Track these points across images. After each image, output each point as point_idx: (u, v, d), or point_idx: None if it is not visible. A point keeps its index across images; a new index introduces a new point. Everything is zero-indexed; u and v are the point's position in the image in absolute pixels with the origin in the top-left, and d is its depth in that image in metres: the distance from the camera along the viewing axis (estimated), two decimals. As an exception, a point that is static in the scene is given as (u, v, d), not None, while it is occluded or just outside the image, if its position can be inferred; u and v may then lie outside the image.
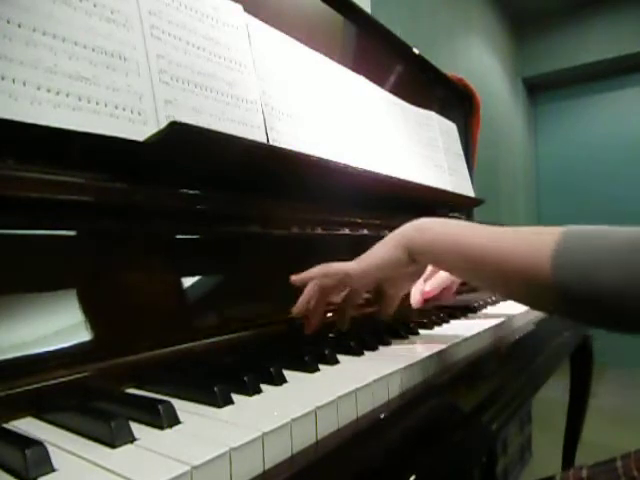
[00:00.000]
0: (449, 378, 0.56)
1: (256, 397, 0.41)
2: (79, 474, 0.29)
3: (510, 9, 3.71)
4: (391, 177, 0.94)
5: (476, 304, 0.92)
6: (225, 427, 0.35)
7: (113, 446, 0.31)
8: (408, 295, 0.81)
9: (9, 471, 0.29)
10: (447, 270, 0.62)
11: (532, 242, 0.51)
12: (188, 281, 0.55)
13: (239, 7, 0.74)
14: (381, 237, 0.62)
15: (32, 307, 0.41)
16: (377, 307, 0.70)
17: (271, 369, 0.45)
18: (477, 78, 2.82)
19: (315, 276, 0.60)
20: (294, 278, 0.62)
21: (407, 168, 1.10)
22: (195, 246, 0.58)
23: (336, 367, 0.52)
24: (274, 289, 0.66)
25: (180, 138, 0.54)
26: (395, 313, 0.70)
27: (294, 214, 0.73)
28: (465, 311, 0.86)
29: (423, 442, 0.48)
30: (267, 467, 0.33)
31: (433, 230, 0.58)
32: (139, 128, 0.55)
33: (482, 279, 0.56)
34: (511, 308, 0.93)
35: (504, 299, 1.06)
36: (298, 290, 0.61)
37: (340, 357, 0.54)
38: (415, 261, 0.59)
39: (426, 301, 0.82)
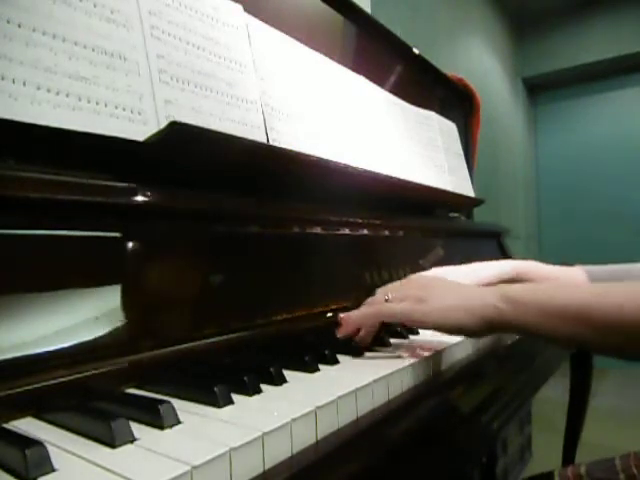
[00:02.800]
0: (449, 378, 0.57)
1: (256, 397, 0.41)
2: (79, 474, 0.29)
3: (510, 9, 3.70)
4: (391, 177, 0.94)
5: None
6: (225, 427, 0.35)
7: (113, 446, 0.31)
8: None
9: (9, 471, 0.29)
10: (543, 339, 0.55)
11: None
12: (188, 281, 0.55)
13: (239, 7, 0.74)
14: (381, 237, 0.61)
15: (32, 307, 0.41)
16: None
17: (271, 369, 0.45)
18: (477, 78, 2.82)
19: (367, 319, 0.57)
20: (344, 321, 0.58)
21: (407, 168, 1.10)
22: (195, 246, 0.58)
23: (336, 367, 0.52)
24: (274, 289, 0.66)
25: (180, 138, 0.54)
26: None
27: (294, 214, 0.73)
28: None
29: (423, 442, 0.48)
30: (267, 467, 0.33)
31: (523, 297, 0.52)
32: (139, 128, 0.55)
33: (583, 338, 0.50)
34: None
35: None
36: (300, 289, 0.61)
37: (340, 357, 0.54)
38: (493, 332, 0.55)
39: None
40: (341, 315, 0.58)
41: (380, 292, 0.60)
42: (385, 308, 0.56)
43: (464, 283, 0.73)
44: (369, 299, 0.61)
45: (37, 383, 0.39)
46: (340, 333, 0.57)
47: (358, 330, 0.58)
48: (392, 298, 0.57)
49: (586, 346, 0.54)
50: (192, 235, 0.58)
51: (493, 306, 0.52)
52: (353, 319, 0.57)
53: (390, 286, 0.61)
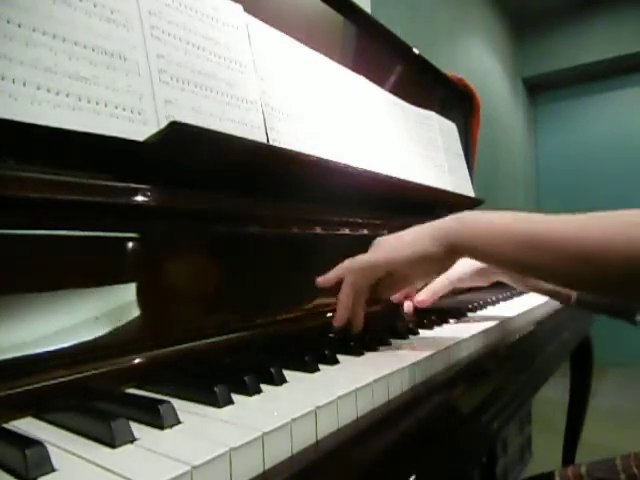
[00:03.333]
0: (450, 378, 0.57)
1: (256, 397, 0.41)
2: (79, 474, 0.29)
3: (510, 9, 3.71)
4: (391, 177, 0.94)
5: (476, 304, 0.92)
6: (225, 427, 0.35)
7: (113, 446, 0.31)
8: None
9: (9, 471, 0.29)
10: (493, 262, 0.57)
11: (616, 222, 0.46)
12: (188, 281, 0.55)
13: (239, 7, 0.74)
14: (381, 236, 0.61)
15: (32, 307, 0.41)
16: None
17: (271, 369, 0.45)
18: (477, 78, 2.82)
19: (341, 274, 0.59)
20: (320, 280, 0.60)
21: (407, 168, 1.10)
22: (195, 246, 0.58)
23: (336, 367, 0.52)
24: (274, 289, 0.66)
25: (180, 138, 0.54)
26: (395, 312, 0.70)
27: (294, 214, 0.73)
28: (465, 311, 0.85)
29: (423, 442, 0.48)
30: (267, 467, 0.33)
31: (478, 221, 0.54)
32: (139, 128, 0.55)
33: (539, 266, 0.50)
34: (511, 308, 0.93)
35: (505, 299, 1.06)
36: (300, 290, 0.61)
37: (340, 357, 0.54)
38: (454, 255, 0.56)
39: (416, 308, 0.82)
40: (318, 279, 0.60)
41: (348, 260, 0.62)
42: (354, 260, 0.58)
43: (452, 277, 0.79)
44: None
45: (37, 383, 0.39)
46: (320, 283, 0.60)
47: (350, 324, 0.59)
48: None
49: (544, 274, 0.53)
50: (192, 235, 0.58)
51: (445, 227, 0.55)
52: (330, 276, 0.59)
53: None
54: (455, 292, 1.02)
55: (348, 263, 0.59)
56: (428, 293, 0.81)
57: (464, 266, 0.81)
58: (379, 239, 0.61)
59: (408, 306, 0.82)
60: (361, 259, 0.59)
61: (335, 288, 0.61)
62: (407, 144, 1.16)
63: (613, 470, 0.53)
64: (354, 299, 0.58)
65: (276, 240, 0.69)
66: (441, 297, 0.83)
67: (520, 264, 0.52)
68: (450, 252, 0.55)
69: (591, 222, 0.47)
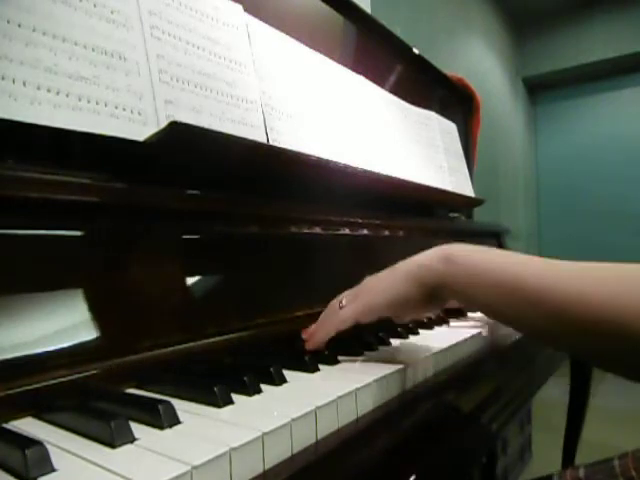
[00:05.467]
0: (450, 377, 0.57)
1: (256, 397, 0.41)
2: (79, 474, 0.29)
3: (510, 9, 3.71)
4: (391, 177, 0.94)
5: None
6: (225, 427, 0.35)
7: (113, 446, 0.31)
8: None
9: (9, 471, 0.29)
10: (481, 309, 0.49)
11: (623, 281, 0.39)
12: (188, 281, 0.55)
13: (239, 7, 0.74)
14: (381, 237, 0.61)
15: (32, 307, 0.41)
16: None
17: (271, 369, 0.45)
18: (477, 78, 2.82)
19: (331, 331, 0.55)
20: (309, 345, 0.56)
21: (407, 168, 1.10)
22: (195, 246, 0.58)
23: (336, 367, 0.52)
24: (274, 289, 0.66)
25: (180, 138, 0.54)
26: None
27: (294, 214, 0.73)
28: (466, 311, 0.85)
29: (423, 442, 0.48)
30: (267, 467, 0.33)
31: (464, 260, 0.47)
32: (139, 128, 0.55)
33: (535, 323, 0.44)
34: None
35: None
36: (300, 290, 0.61)
37: (340, 357, 0.54)
38: (437, 298, 0.50)
39: None
40: (304, 335, 0.57)
41: (336, 299, 0.58)
42: (338, 319, 0.54)
43: None
44: (326, 309, 0.58)
45: (37, 383, 0.39)
46: (308, 348, 0.55)
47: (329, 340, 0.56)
48: (345, 303, 0.55)
49: (525, 329, 0.47)
50: (192, 235, 0.58)
51: (424, 266, 0.48)
52: (317, 339, 0.55)
53: (346, 292, 0.58)
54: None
55: (326, 325, 0.55)
56: None
57: None
58: (365, 280, 0.56)
59: None
60: (340, 317, 0.54)
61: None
62: (407, 144, 1.16)
63: (612, 473, 0.53)
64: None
65: (276, 240, 0.69)
66: None
67: (510, 320, 0.46)
68: (432, 296, 0.50)
69: (593, 280, 0.40)
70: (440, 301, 0.52)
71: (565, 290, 0.40)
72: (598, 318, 0.38)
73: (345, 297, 0.56)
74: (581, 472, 0.56)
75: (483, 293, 0.45)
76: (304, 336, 0.57)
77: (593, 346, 0.41)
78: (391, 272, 0.53)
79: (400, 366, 0.50)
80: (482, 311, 0.49)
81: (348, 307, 0.55)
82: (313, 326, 0.58)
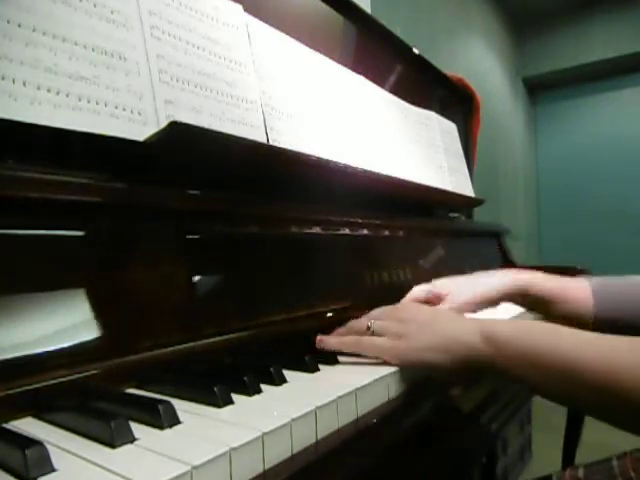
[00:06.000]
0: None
1: (256, 397, 0.41)
2: (79, 474, 0.29)
3: (510, 9, 3.70)
4: (391, 177, 0.94)
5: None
6: (225, 427, 0.35)
7: (113, 446, 0.31)
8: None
9: (9, 471, 0.29)
10: (530, 389, 0.50)
11: None
12: (188, 281, 0.55)
13: (239, 7, 0.74)
14: (381, 237, 0.61)
15: (32, 307, 0.41)
16: None
17: (271, 369, 0.45)
18: (477, 78, 2.82)
19: (344, 348, 0.54)
20: (322, 342, 0.55)
21: (407, 168, 1.10)
22: (195, 246, 0.58)
23: (336, 367, 0.52)
24: (274, 289, 0.66)
25: (180, 138, 0.54)
26: None
27: (294, 214, 0.73)
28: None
29: (423, 442, 0.48)
30: (267, 467, 0.33)
31: (511, 343, 0.47)
32: (139, 128, 0.55)
33: (589, 402, 0.44)
34: (511, 308, 0.92)
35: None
36: (300, 290, 0.61)
37: (340, 357, 0.54)
38: (477, 376, 0.51)
39: None
40: (319, 337, 0.56)
41: (365, 317, 0.58)
42: (363, 342, 0.54)
43: (457, 304, 0.70)
44: (351, 322, 0.58)
45: (37, 383, 0.39)
46: (319, 345, 0.55)
47: None
48: (373, 327, 0.54)
49: (578, 405, 0.48)
50: (192, 235, 0.58)
51: (472, 347, 0.48)
52: (332, 346, 0.55)
53: (376, 312, 0.58)
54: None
55: (358, 345, 0.54)
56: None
57: (488, 284, 0.73)
58: (405, 315, 0.55)
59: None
60: (373, 346, 0.53)
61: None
62: (407, 144, 1.16)
63: (610, 473, 0.53)
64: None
65: (276, 240, 0.69)
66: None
67: (562, 399, 0.47)
68: (472, 373, 0.50)
69: (626, 352, 0.41)
70: (477, 378, 0.52)
71: (620, 372, 0.41)
72: None
73: (375, 318, 0.56)
74: (580, 472, 0.55)
75: (537, 378, 0.45)
76: (318, 340, 0.56)
77: None
78: (438, 334, 0.51)
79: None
80: (531, 389, 0.49)
81: (378, 340, 0.53)
82: (332, 337, 0.57)
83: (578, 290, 0.71)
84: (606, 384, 0.41)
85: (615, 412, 0.43)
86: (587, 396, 0.43)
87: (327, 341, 0.55)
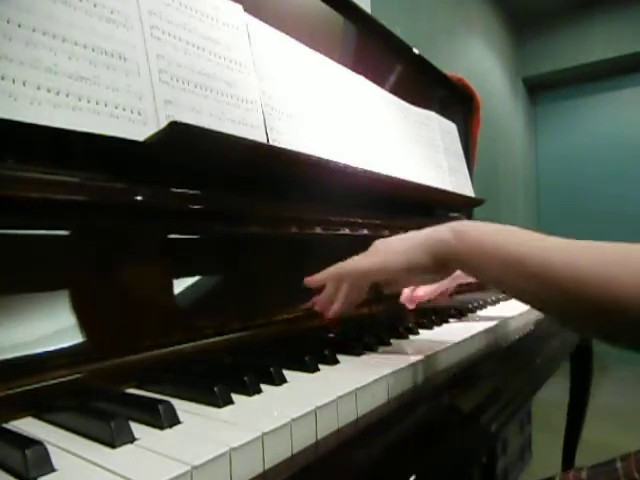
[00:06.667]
0: (450, 378, 0.56)
1: (256, 397, 0.41)
2: (79, 474, 0.29)
3: (510, 9, 3.70)
4: (391, 177, 0.94)
5: (476, 304, 0.92)
6: (225, 427, 0.35)
7: (113, 446, 0.31)
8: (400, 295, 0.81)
9: (9, 471, 0.29)
10: (485, 281, 0.55)
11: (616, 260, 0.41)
12: (188, 281, 0.55)
13: (239, 7, 0.74)
14: (381, 237, 0.61)
15: (32, 307, 0.41)
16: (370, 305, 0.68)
17: (271, 369, 0.45)
18: (477, 78, 2.82)
19: (332, 279, 0.58)
20: (308, 280, 0.60)
21: (407, 168, 1.10)
22: (195, 246, 0.58)
23: (336, 367, 0.52)
24: (274, 289, 0.66)
25: (180, 138, 0.54)
26: (393, 312, 0.70)
27: (294, 214, 0.73)
28: (465, 311, 0.85)
29: (423, 442, 0.48)
30: (267, 467, 0.33)
31: (473, 235, 0.51)
32: (139, 128, 0.55)
33: (535, 295, 0.47)
34: (511, 309, 0.93)
35: (505, 299, 1.06)
36: (300, 290, 0.61)
37: (340, 357, 0.54)
38: (446, 268, 0.55)
39: (417, 304, 0.82)
40: (316, 307, 0.60)
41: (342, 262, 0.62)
42: (344, 264, 0.58)
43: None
44: (332, 267, 0.62)
45: (37, 383, 0.39)
46: (329, 316, 0.59)
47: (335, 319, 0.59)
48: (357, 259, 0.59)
49: (527, 300, 0.50)
50: (192, 235, 0.58)
51: (440, 239, 0.53)
52: (317, 278, 0.59)
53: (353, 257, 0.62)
54: (458, 292, 1.02)
55: (339, 269, 0.59)
56: (427, 289, 0.80)
57: None
58: (377, 242, 0.60)
59: (406, 297, 0.81)
60: (354, 266, 0.58)
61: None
62: (407, 144, 1.16)
63: (614, 475, 0.53)
64: (348, 296, 0.59)
65: (276, 240, 0.69)
66: (449, 295, 0.83)
67: (509, 288, 0.50)
68: (441, 265, 0.54)
69: (589, 251, 0.43)
70: (448, 270, 0.56)
71: (566, 271, 0.43)
72: (597, 298, 0.40)
73: (352, 258, 0.59)
74: (584, 474, 0.55)
75: (490, 268, 0.49)
76: (316, 307, 0.60)
77: (595, 323, 0.44)
78: (403, 240, 0.57)
79: (400, 366, 0.50)
80: (488, 283, 0.54)
81: (363, 259, 0.57)
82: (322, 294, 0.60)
83: None
84: (552, 283, 0.43)
85: (560, 309, 0.45)
86: (534, 291, 0.46)
87: (312, 277, 0.60)
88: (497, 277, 0.50)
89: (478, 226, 0.53)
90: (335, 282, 0.59)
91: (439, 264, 0.54)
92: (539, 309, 0.50)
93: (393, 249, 0.56)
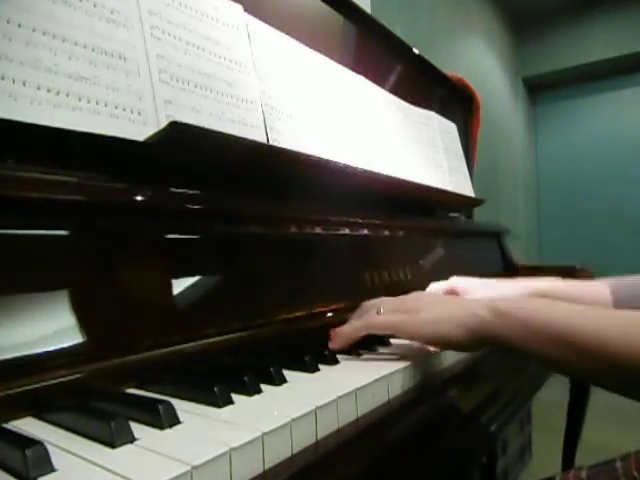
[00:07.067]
0: (450, 377, 0.57)
1: (256, 397, 0.41)
2: (79, 474, 0.29)
3: (510, 9, 3.70)
4: (391, 177, 0.94)
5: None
6: (225, 427, 0.35)
7: (113, 446, 0.31)
8: None
9: (9, 471, 0.29)
10: (533, 358, 0.53)
11: None
12: (188, 281, 0.55)
13: (239, 7, 0.74)
14: (381, 237, 0.61)
15: (32, 307, 0.41)
16: None
17: (271, 369, 0.45)
18: (477, 78, 2.82)
19: (359, 333, 0.56)
20: (336, 342, 0.56)
21: (407, 168, 1.10)
22: (195, 246, 0.58)
23: (336, 367, 0.52)
24: (274, 289, 0.66)
25: (180, 138, 0.54)
26: None
27: (294, 214, 0.73)
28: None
29: (423, 442, 0.48)
30: (267, 467, 0.33)
31: (515, 314, 0.50)
32: (139, 128, 0.55)
33: (585, 370, 0.47)
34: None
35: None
36: (300, 290, 0.61)
37: (340, 357, 0.54)
38: (482, 346, 0.53)
39: None
40: (333, 331, 0.57)
41: (371, 305, 0.59)
42: (376, 320, 0.56)
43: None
44: (358, 310, 0.60)
45: (37, 383, 0.39)
46: (332, 346, 0.56)
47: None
48: (384, 311, 0.56)
49: (573, 371, 0.51)
50: (192, 235, 0.58)
51: (478, 317, 0.51)
52: (346, 334, 0.56)
53: (384, 299, 0.60)
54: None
55: (370, 324, 0.56)
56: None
57: (507, 288, 0.76)
58: (414, 296, 0.58)
59: None
60: (384, 319, 0.55)
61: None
62: (407, 144, 1.16)
63: (614, 475, 0.53)
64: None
65: (276, 240, 0.69)
66: None
67: (563, 368, 0.50)
68: (476, 342, 0.52)
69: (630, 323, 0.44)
70: (482, 347, 0.54)
71: (614, 342, 0.44)
72: None
73: (386, 304, 0.57)
74: (583, 474, 0.55)
75: (536, 346, 0.49)
76: (332, 333, 0.58)
77: None
78: (445, 308, 0.54)
79: (400, 366, 0.50)
80: (533, 359, 0.52)
81: (391, 315, 0.55)
82: (344, 326, 0.58)
83: (595, 288, 0.72)
84: (595, 349, 0.44)
85: (605, 375, 0.46)
86: (579, 361, 0.46)
87: (340, 331, 0.57)
88: (543, 354, 0.49)
89: (513, 303, 0.53)
90: (363, 335, 0.57)
91: (472, 340, 0.52)
92: (594, 384, 0.50)
93: (430, 316, 0.54)
